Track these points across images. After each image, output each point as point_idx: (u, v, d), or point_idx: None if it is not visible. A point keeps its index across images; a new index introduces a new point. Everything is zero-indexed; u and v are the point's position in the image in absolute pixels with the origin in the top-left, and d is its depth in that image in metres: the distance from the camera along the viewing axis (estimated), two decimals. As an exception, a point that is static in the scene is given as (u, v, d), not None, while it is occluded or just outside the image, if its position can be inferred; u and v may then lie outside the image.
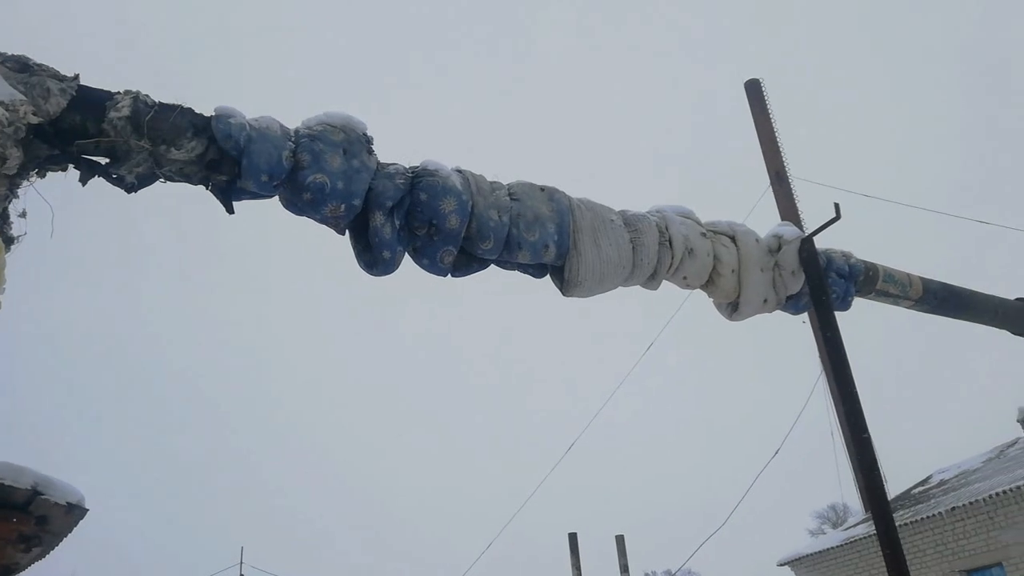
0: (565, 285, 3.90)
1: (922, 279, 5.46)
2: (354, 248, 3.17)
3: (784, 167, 28.79)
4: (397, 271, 3.27)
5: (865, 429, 4.32)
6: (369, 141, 3.08)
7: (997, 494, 13.38)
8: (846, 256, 5.03)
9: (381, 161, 3.18)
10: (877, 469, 4.46)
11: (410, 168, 3.24)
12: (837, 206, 4.58)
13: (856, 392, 4.38)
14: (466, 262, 3.51)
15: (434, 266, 3.30)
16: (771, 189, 28.66)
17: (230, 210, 2.92)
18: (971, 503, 13.88)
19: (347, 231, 3.17)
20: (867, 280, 5.10)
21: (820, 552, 17.30)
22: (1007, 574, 13.29)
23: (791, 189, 27.56)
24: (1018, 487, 13.02)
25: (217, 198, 2.91)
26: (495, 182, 3.55)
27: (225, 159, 2.81)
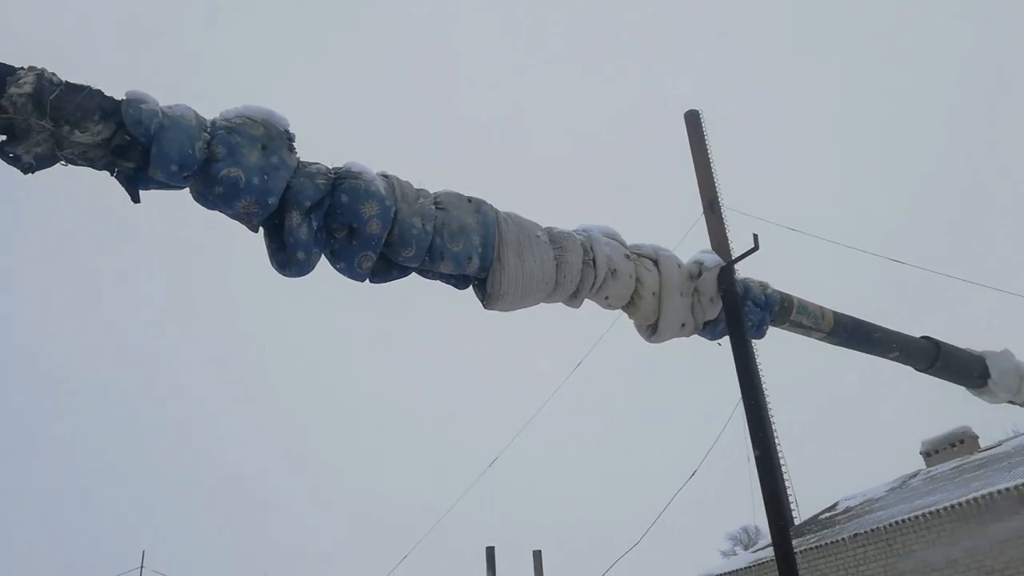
0: (487, 298, 3.88)
1: (834, 313, 5.66)
2: (268, 247, 3.06)
3: (717, 197, 29.83)
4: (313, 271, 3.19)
5: (773, 454, 4.42)
6: (291, 138, 2.99)
7: (896, 522, 13.96)
8: (763, 286, 5.18)
9: (303, 160, 3.09)
10: (784, 495, 4.55)
11: (333, 169, 3.16)
12: (756, 237, 4.72)
13: (766, 418, 4.49)
14: (386, 268, 3.44)
15: (351, 270, 3.22)
16: (704, 218, 29.59)
17: (135, 199, 2.79)
18: (872, 530, 14.45)
19: (262, 229, 3.07)
20: (782, 310, 5.26)
21: (729, 573, 17.69)
22: (902, 600, 13.85)
23: (723, 219, 28.57)
24: (915, 517, 13.62)
25: (122, 185, 2.77)
26: (421, 190, 3.50)
27: (133, 146, 2.68)
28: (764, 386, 25.73)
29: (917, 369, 6.68)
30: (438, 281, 3.75)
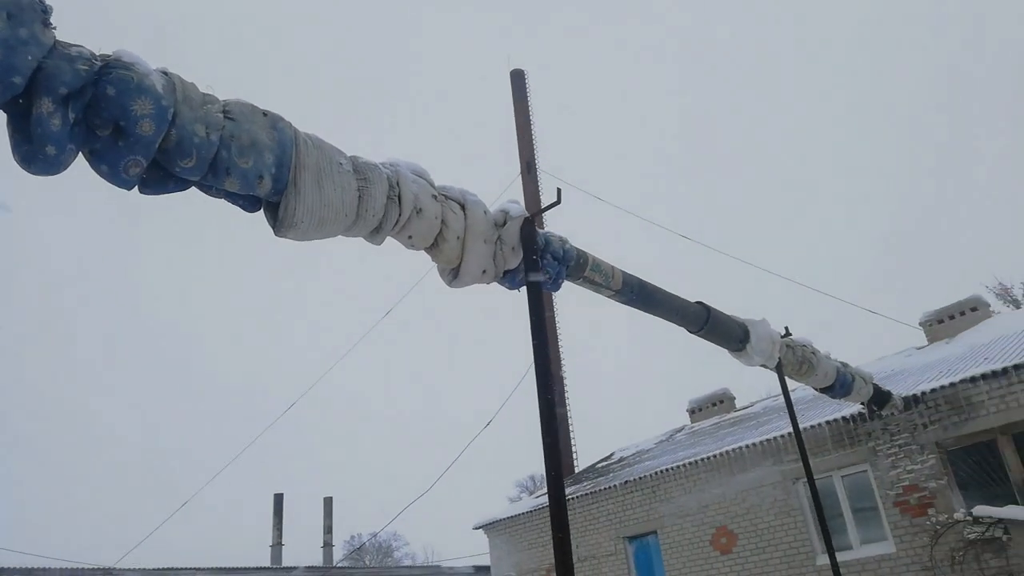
0: (278, 224, 3.61)
1: (623, 273, 6.00)
2: (11, 137, 2.59)
3: (535, 159, 30.52)
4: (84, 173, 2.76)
5: (552, 404, 4.61)
6: (46, 11, 2.53)
7: (659, 471, 15.45)
8: (562, 241, 5.34)
9: (62, 40, 2.64)
10: (558, 445, 4.76)
11: (99, 56, 2.73)
12: (559, 192, 4.85)
13: (549, 367, 4.66)
14: (161, 179, 3.06)
15: (115, 176, 2.82)
16: (520, 178, 30.18)
17: None
18: (639, 478, 15.89)
19: (7, 115, 2.58)
20: (578, 266, 5.47)
21: (511, 517, 18.68)
22: (660, 540, 15.41)
23: (538, 181, 29.32)
24: (676, 467, 15.14)
25: None
26: (208, 95, 3.14)
27: None
28: (561, 348, 26.96)
29: (690, 331, 7.32)
30: (223, 200, 3.42)
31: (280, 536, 31.02)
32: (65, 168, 2.66)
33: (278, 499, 31.51)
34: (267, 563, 28.88)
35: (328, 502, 32.73)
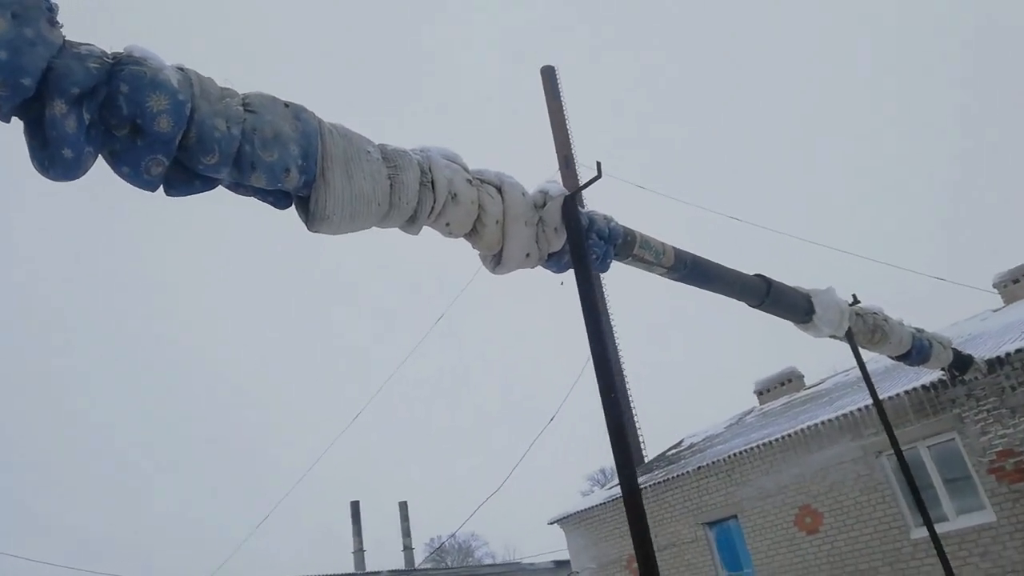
0: (310, 219, 3.52)
1: (675, 248, 5.74)
2: (28, 144, 2.55)
3: (572, 153, 30.20)
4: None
5: (614, 388, 4.39)
6: (52, 10, 2.47)
7: (734, 455, 15.00)
8: (607, 219, 5.13)
9: (71, 40, 2.58)
10: (624, 429, 4.52)
11: (111, 53, 2.67)
12: (599, 165, 4.64)
13: (607, 351, 4.45)
14: (186, 179, 2.99)
15: (138, 177, 2.76)
16: (559, 172, 29.90)
17: None
18: (713, 463, 15.47)
19: (21, 122, 2.55)
20: (625, 244, 5.24)
21: (585, 510, 18.47)
22: (741, 524, 14.96)
23: (576, 174, 29.00)
24: (751, 448, 14.68)
25: None
26: (226, 89, 3.06)
27: None
28: (617, 338, 26.54)
29: (750, 305, 6.99)
30: (253, 198, 3.34)
31: (361, 542, 31.54)
32: (84, 172, 2.60)
33: (355, 506, 32.08)
34: (351, 569, 29.42)
35: (403, 506, 33.16)
